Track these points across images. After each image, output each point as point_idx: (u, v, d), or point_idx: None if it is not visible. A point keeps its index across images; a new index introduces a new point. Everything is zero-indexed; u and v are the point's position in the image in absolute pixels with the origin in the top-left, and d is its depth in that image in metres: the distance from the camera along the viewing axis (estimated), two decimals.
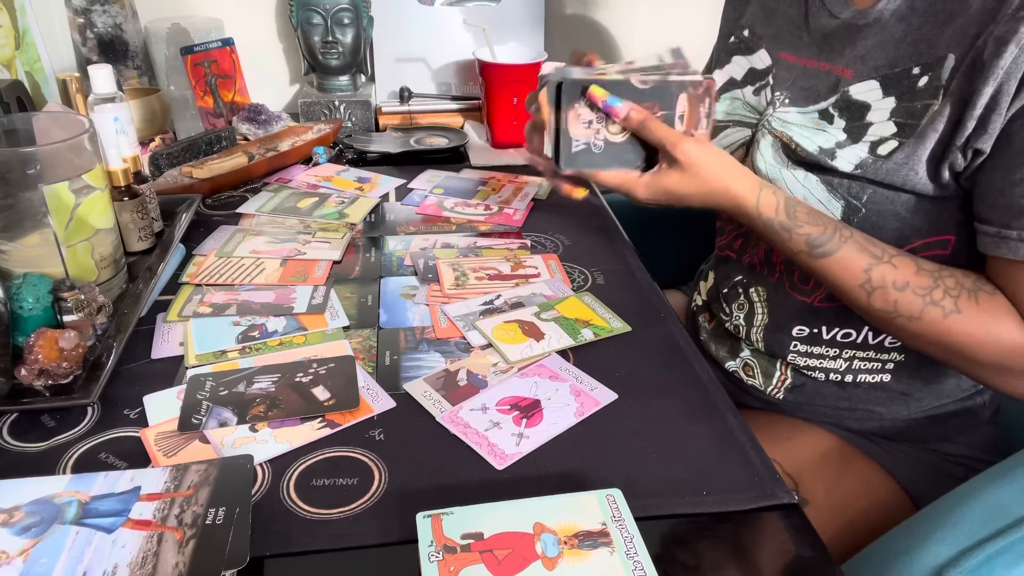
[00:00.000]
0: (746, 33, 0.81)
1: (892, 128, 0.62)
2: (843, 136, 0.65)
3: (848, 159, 0.64)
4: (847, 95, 0.65)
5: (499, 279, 0.79)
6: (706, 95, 0.71)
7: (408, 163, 1.10)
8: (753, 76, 0.78)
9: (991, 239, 0.59)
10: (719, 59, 0.85)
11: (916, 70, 0.61)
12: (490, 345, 0.68)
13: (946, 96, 0.59)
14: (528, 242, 0.88)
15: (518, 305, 0.74)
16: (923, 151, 0.60)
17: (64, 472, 0.53)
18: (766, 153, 0.72)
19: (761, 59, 0.77)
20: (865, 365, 0.74)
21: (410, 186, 1.03)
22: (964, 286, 0.61)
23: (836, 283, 0.66)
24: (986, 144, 0.58)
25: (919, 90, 0.60)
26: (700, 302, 0.93)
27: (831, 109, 0.66)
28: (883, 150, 0.62)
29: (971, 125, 0.58)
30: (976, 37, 0.57)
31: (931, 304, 0.61)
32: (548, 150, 0.72)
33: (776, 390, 0.79)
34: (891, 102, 0.62)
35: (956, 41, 0.58)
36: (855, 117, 0.64)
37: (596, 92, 0.68)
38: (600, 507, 0.48)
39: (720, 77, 0.83)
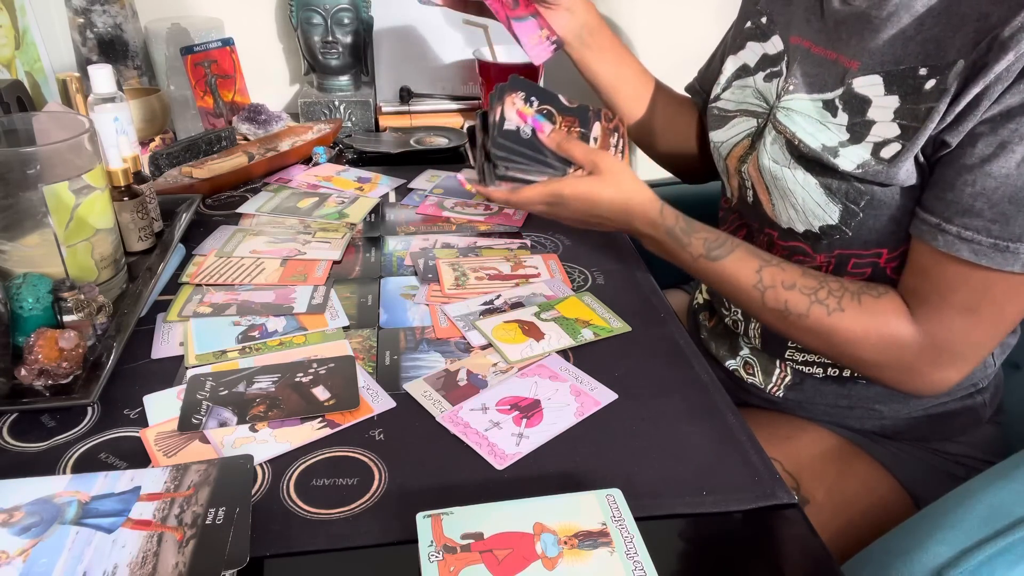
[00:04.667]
0: (763, 19, 0.80)
1: (896, 130, 0.62)
2: (846, 136, 0.65)
3: (851, 159, 0.64)
4: (851, 88, 0.65)
5: (499, 279, 0.79)
6: (615, 130, 0.82)
7: (408, 163, 1.10)
8: (765, 62, 0.77)
9: (928, 228, 0.61)
10: (734, 44, 0.84)
11: (923, 71, 0.60)
12: (490, 345, 0.68)
13: (947, 97, 0.59)
14: (528, 242, 0.88)
15: (518, 305, 0.74)
16: (917, 148, 0.61)
17: (64, 472, 0.53)
18: (771, 150, 0.72)
19: (774, 44, 0.77)
20: None
21: (410, 186, 1.03)
22: (848, 288, 0.66)
23: (732, 284, 0.71)
24: (954, 139, 0.59)
25: (925, 92, 0.60)
26: (701, 300, 0.93)
27: (837, 101, 0.66)
28: (886, 153, 0.62)
29: (949, 119, 0.59)
30: (984, 42, 0.57)
31: (816, 303, 0.66)
32: (474, 165, 0.82)
33: (776, 388, 0.79)
34: (894, 101, 0.62)
35: (968, 46, 0.58)
36: (857, 112, 0.64)
37: (525, 111, 0.77)
38: (600, 507, 0.48)
39: (733, 64, 0.82)
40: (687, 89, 0.95)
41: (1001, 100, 0.56)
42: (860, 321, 0.65)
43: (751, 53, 0.80)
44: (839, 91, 0.66)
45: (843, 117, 0.65)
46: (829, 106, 0.67)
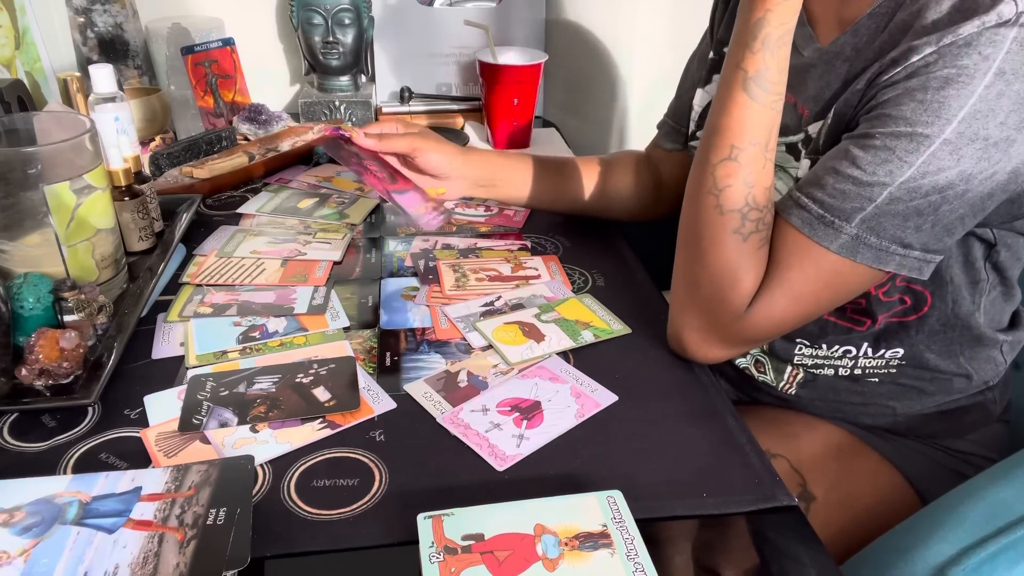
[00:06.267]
0: (726, 50, 0.79)
1: None
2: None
3: None
4: (808, 134, 0.66)
5: (499, 280, 0.79)
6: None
7: None
8: None
9: (783, 196, 0.62)
10: (699, 75, 0.83)
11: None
12: (490, 346, 0.68)
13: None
14: (528, 243, 0.88)
15: (518, 306, 0.74)
16: None
17: (65, 472, 0.53)
18: None
19: None
20: (870, 364, 0.74)
21: None
22: (765, 232, 0.61)
23: (719, 128, 0.61)
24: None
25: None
26: None
27: (800, 145, 0.67)
28: None
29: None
30: (887, 57, 0.58)
31: (739, 213, 0.60)
32: None
33: (788, 386, 0.78)
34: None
35: (874, 72, 0.59)
36: (819, 154, 0.64)
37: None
38: (601, 508, 0.48)
39: (702, 98, 0.81)
40: (659, 126, 0.92)
41: (879, 96, 0.57)
42: (743, 259, 0.60)
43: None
44: (801, 135, 0.67)
45: (806, 162, 0.65)
46: (792, 149, 0.67)
